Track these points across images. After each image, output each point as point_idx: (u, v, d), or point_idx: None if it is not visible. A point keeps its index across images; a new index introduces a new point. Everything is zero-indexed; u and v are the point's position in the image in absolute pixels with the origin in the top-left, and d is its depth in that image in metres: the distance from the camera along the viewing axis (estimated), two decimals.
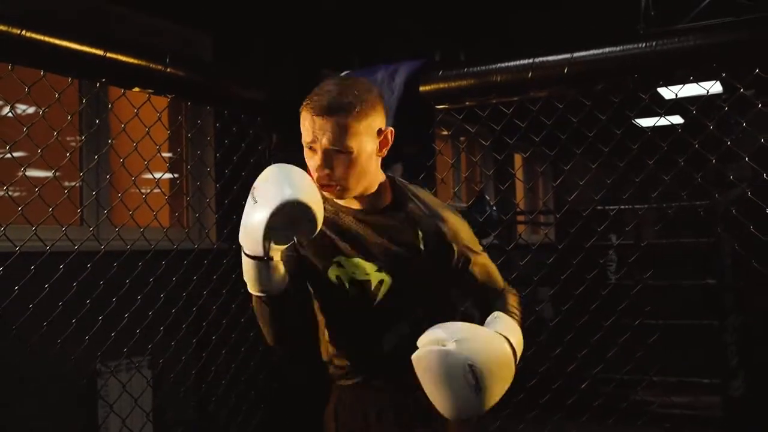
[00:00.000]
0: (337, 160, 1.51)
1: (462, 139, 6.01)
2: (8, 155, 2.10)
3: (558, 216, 6.51)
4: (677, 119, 6.24)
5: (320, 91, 1.53)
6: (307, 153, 1.56)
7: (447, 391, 1.43)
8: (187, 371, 3.00)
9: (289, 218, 1.40)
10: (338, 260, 1.62)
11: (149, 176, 2.57)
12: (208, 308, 2.89)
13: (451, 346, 1.43)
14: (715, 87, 2.54)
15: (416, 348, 1.49)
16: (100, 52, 2.03)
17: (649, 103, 2.45)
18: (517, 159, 7.70)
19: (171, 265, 2.68)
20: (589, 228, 2.86)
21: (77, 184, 3.29)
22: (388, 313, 1.63)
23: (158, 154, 2.51)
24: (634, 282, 3.55)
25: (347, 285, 1.63)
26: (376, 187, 1.63)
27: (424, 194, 1.71)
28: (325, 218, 1.60)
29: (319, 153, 1.51)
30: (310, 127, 1.51)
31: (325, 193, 1.57)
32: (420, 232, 1.63)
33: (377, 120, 1.56)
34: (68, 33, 1.96)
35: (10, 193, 2.18)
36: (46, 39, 1.90)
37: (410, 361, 1.49)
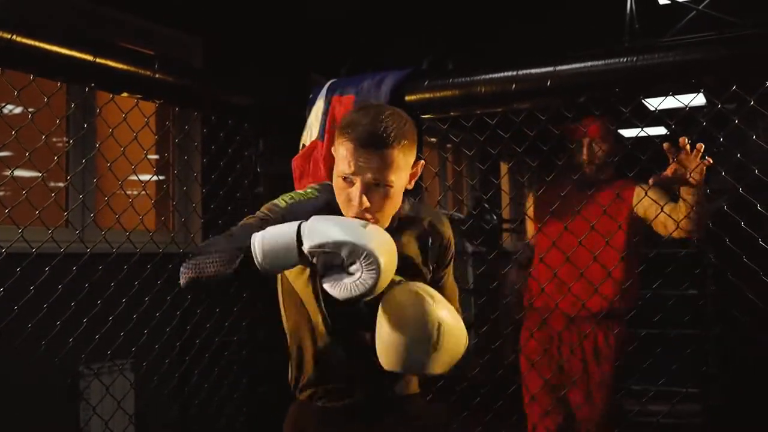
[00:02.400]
0: (376, 194, 1.47)
1: (448, 146, 6.05)
2: None
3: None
4: (662, 131, 6.30)
5: (361, 121, 1.46)
6: (340, 183, 1.50)
7: (408, 336, 1.47)
8: (171, 374, 3.01)
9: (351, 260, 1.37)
10: None
11: (136, 180, 2.59)
12: (191, 312, 2.91)
13: (430, 300, 1.49)
14: (699, 99, 2.60)
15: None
16: (89, 58, 2.05)
17: (629, 116, 2.49)
18: (503, 167, 7.75)
19: (156, 268, 2.70)
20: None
21: (64, 186, 3.30)
22: None
23: (145, 159, 2.52)
24: None
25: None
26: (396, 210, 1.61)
27: (424, 205, 1.78)
28: None
29: (359, 185, 1.46)
30: (352, 158, 1.45)
31: None
32: (430, 239, 1.67)
33: (415, 153, 1.54)
34: (58, 38, 1.98)
35: None
36: (36, 44, 1.91)
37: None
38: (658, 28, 4.51)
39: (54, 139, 3.51)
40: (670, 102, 2.31)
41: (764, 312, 2.21)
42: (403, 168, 1.49)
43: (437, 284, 1.71)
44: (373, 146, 1.43)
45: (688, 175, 2.28)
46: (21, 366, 2.65)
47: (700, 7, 4.39)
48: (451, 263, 1.76)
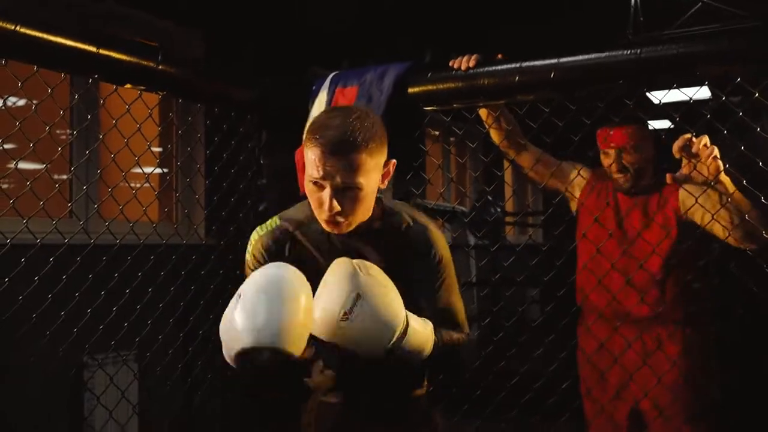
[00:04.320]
0: (346, 197, 1.48)
1: (452, 139, 6.05)
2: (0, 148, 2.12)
3: (543, 218, 6.55)
4: (666, 123, 6.30)
5: (328, 125, 1.46)
6: (310, 187, 1.50)
7: (326, 298, 1.42)
8: (174, 365, 3.02)
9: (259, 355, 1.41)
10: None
11: (139, 171, 2.60)
12: (195, 303, 2.92)
13: (356, 268, 1.44)
14: (703, 92, 2.58)
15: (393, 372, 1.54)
16: (93, 49, 2.05)
17: (633, 108, 2.49)
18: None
19: (159, 259, 2.71)
20: (573, 231, 2.89)
21: (68, 178, 3.31)
22: None
23: (148, 150, 2.53)
24: None
25: None
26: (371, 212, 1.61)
27: (408, 207, 1.71)
28: (315, 238, 1.61)
29: (329, 189, 1.46)
30: (320, 163, 1.44)
31: (327, 228, 1.55)
32: (411, 242, 1.61)
33: (385, 153, 1.54)
34: (62, 29, 1.98)
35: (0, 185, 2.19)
36: (40, 35, 1.91)
37: (391, 382, 1.58)
38: (663, 21, 4.49)
39: (57, 131, 3.52)
40: (674, 95, 2.30)
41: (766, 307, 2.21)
42: (373, 169, 1.49)
43: (426, 301, 1.62)
44: (341, 151, 1.43)
45: (706, 173, 2.13)
46: (26, 356, 2.66)
47: None
48: (448, 282, 1.65)
